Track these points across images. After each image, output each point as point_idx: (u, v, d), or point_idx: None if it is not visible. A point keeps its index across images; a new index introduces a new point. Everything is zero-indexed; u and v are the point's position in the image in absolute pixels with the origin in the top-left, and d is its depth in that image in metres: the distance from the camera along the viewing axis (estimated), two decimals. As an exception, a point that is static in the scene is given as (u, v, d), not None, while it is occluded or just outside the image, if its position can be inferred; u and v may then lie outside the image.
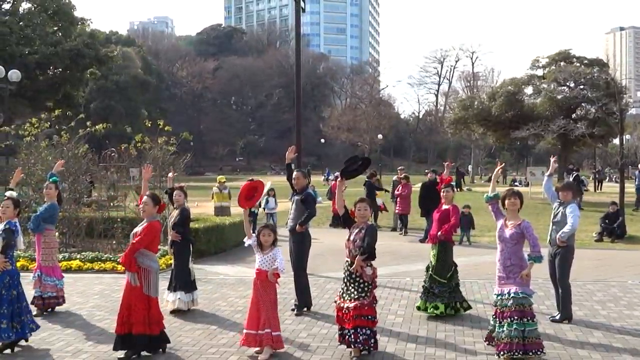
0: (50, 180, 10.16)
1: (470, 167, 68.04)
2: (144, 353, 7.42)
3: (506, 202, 7.41)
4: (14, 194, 8.49)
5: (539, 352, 6.96)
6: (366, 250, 7.21)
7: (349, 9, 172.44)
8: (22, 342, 7.87)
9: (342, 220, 7.71)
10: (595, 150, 51.07)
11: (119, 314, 7.40)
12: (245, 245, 7.71)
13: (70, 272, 12.61)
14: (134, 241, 7.39)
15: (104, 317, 9.36)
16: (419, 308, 9.36)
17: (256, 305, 7.41)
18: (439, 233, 9.29)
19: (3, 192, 9.57)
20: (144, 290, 7.36)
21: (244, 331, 7.47)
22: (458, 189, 40.79)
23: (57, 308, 9.85)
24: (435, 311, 9.12)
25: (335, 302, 7.46)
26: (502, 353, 7.01)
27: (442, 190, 9.69)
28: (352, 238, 7.38)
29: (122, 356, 7.30)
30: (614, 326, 8.69)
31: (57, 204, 10.01)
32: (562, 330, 8.47)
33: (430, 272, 9.33)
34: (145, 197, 7.73)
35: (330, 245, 16.01)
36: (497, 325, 7.16)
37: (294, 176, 9.91)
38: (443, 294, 9.19)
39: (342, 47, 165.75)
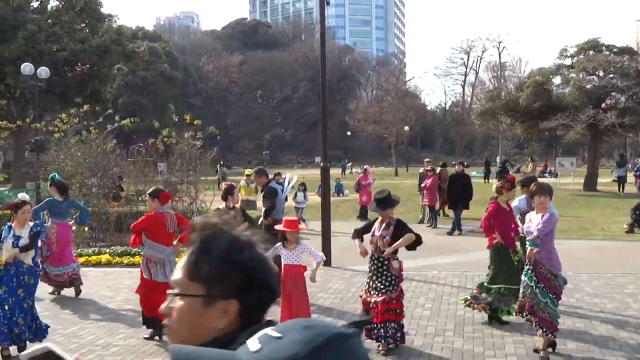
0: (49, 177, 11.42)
1: (497, 159, 67.30)
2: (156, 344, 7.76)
3: (535, 199, 7.27)
4: (26, 196, 8.90)
5: (548, 333, 6.94)
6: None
7: (374, 0, 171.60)
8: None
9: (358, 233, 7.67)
10: (625, 140, 50.25)
11: None
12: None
13: (100, 266, 12.81)
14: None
15: (133, 311, 9.46)
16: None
17: (287, 301, 7.41)
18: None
19: (32, 188, 9.94)
20: (145, 276, 7.99)
21: None
22: (486, 181, 40.43)
23: (85, 300, 10.16)
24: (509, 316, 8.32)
25: (361, 296, 7.45)
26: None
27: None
28: (378, 233, 7.35)
29: (147, 336, 7.91)
30: (645, 319, 8.57)
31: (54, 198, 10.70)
32: (592, 324, 8.37)
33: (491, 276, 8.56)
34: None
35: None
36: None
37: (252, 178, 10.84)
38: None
39: (368, 38, 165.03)
